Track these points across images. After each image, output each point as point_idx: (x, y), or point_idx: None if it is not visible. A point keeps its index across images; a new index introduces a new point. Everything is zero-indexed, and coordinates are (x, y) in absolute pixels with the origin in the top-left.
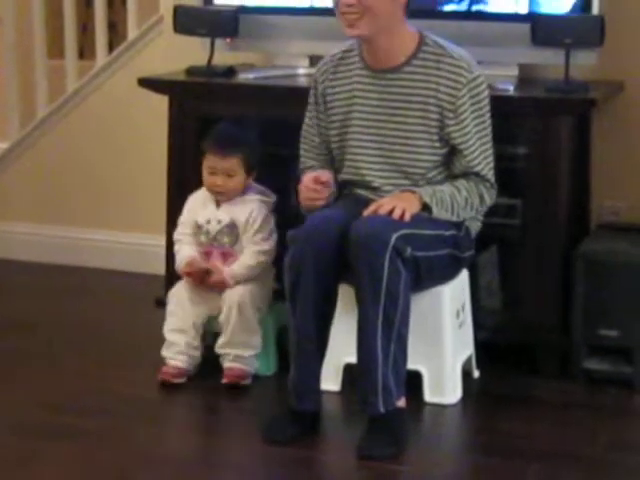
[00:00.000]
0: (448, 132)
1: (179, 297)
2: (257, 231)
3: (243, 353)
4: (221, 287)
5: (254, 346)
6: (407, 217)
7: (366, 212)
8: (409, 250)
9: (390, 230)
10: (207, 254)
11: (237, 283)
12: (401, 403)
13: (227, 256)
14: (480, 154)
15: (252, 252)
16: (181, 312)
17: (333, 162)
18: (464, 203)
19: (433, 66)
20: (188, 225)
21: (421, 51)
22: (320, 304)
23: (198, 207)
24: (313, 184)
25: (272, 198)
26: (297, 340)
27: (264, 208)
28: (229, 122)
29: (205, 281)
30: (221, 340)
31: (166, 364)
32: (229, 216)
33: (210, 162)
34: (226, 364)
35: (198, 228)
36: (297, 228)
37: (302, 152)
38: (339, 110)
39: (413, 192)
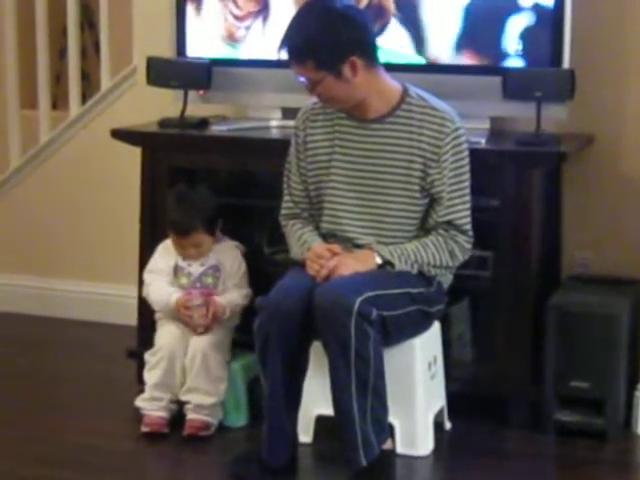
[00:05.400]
0: (430, 181)
1: (168, 349)
2: (243, 275)
3: (204, 401)
4: (215, 319)
5: (217, 394)
6: (346, 272)
7: (319, 279)
8: (374, 312)
9: (353, 294)
10: (188, 294)
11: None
12: (387, 445)
13: (208, 296)
14: (459, 204)
15: (240, 294)
16: (167, 366)
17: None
18: (431, 259)
19: (417, 117)
20: (163, 272)
21: (405, 103)
22: (289, 368)
23: (172, 253)
24: (326, 252)
25: (243, 249)
26: (268, 400)
27: (241, 255)
28: (178, 191)
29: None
30: (185, 386)
31: (147, 415)
32: (213, 259)
33: (175, 239)
34: (188, 415)
35: (178, 270)
36: (265, 296)
37: (285, 199)
38: (319, 158)
39: (371, 249)
